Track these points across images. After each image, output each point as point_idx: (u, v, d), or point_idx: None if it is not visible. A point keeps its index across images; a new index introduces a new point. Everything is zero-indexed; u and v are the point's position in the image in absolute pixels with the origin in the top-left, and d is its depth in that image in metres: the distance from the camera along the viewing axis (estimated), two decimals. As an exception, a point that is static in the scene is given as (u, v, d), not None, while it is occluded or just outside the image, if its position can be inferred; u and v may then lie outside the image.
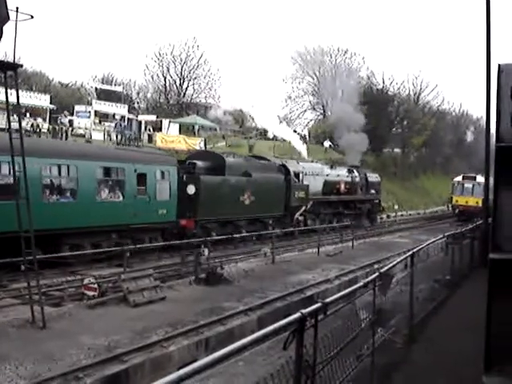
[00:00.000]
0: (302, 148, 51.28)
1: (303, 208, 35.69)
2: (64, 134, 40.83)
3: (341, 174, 42.33)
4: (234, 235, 26.82)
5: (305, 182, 36.24)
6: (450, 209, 57.44)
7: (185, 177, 26.95)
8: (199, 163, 29.08)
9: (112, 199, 22.88)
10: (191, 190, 26.84)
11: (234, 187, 29.66)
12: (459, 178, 56.49)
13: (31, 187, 16.21)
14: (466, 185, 54.62)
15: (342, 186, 41.43)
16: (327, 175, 40.30)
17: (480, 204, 50.37)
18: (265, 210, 31.92)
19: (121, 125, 47.85)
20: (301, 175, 36.08)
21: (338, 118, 53.39)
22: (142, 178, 23.86)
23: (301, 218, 35.78)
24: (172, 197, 25.44)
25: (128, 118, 58.36)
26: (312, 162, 43.23)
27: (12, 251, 14.08)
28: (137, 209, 23.38)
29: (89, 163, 21.60)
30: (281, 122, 56.54)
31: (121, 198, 23.14)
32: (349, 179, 42.81)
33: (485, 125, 21.01)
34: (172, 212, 25.34)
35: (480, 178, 52.11)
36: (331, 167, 42.13)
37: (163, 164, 25.70)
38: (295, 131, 77.92)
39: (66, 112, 46.16)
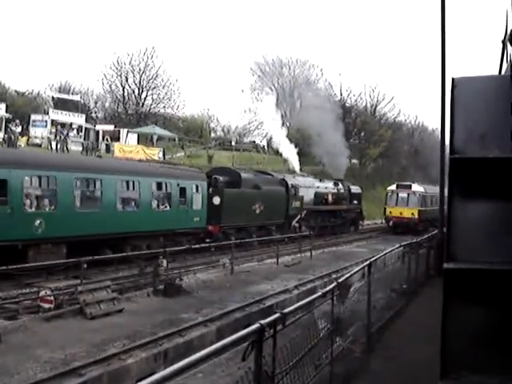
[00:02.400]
0: (296, 163, 53.98)
1: (298, 216, 39.74)
2: (14, 143, 39.68)
3: (328, 186, 46.38)
4: (193, 246, 26.74)
5: (300, 194, 40.34)
6: (384, 221, 53.29)
7: (211, 189, 31.52)
8: (220, 178, 33.33)
9: (162, 208, 27.55)
10: (217, 200, 31.60)
11: (248, 198, 34.38)
12: (393, 187, 52.38)
13: (110, 199, 23.93)
14: (400, 194, 50.63)
15: (330, 197, 45.64)
16: (317, 187, 44.44)
17: (416, 215, 49.13)
18: (270, 217, 36.46)
19: (62, 132, 46.56)
20: (297, 188, 40.27)
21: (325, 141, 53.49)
22: (182, 191, 28.73)
23: (297, 225, 39.50)
24: (203, 206, 30.30)
25: (85, 128, 57.70)
26: (304, 176, 46.58)
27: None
28: (179, 216, 28.25)
29: (147, 179, 26.58)
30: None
31: (168, 208, 27.87)
32: (335, 191, 47.01)
33: (439, 136, 21.38)
34: (203, 219, 30.20)
35: (416, 187, 50.77)
36: (320, 180, 46.10)
37: (197, 179, 30.60)
38: (254, 142, 78.33)
39: (17, 121, 45.02)
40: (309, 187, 42.77)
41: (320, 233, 41.82)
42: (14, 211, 19.97)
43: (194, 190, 29.76)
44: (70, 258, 19.88)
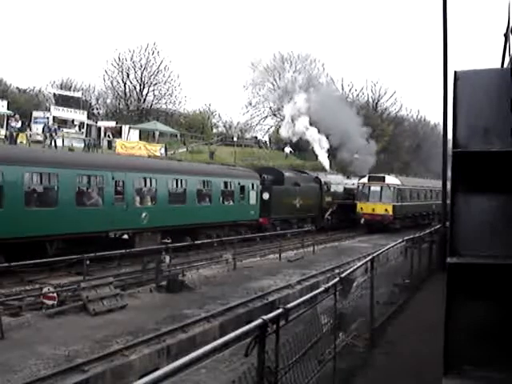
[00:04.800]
0: (326, 162, 56.29)
1: (330, 209, 44.34)
2: (14, 140, 39.25)
3: (355, 182, 48.43)
4: (196, 242, 26.85)
5: (331, 190, 45.21)
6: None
7: (260, 186, 36.34)
8: (267, 176, 38.43)
9: (228, 203, 32.95)
10: (266, 196, 36.81)
11: (290, 194, 39.55)
12: (364, 180, 46.07)
13: (192, 195, 29.35)
14: (372, 188, 44.68)
15: None
16: (345, 184, 48.22)
17: (390, 212, 43.52)
18: (307, 211, 41.24)
19: (49, 128, 45.60)
20: (329, 184, 45.12)
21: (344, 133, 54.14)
22: (242, 189, 34.18)
23: (329, 218, 44.20)
24: (257, 201, 35.70)
25: (87, 124, 57.63)
26: (333, 173, 50.85)
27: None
28: (240, 210, 33.72)
29: (218, 179, 32.13)
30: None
31: (232, 203, 33.28)
32: None
33: (442, 131, 21.33)
34: (257, 212, 35.61)
35: (390, 179, 45.67)
36: (347, 177, 50.17)
37: (252, 178, 35.98)
38: (256, 137, 78.25)
39: (16, 116, 44.30)
40: (338, 184, 46.86)
41: (349, 224, 45.40)
42: (128, 206, 25.14)
43: (251, 188, 35.20)
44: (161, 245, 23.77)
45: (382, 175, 46.58)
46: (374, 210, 43.97)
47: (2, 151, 22.59)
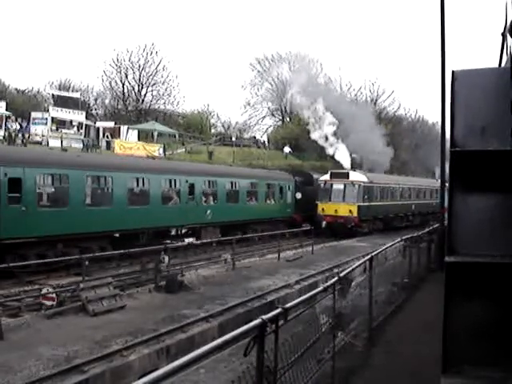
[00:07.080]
0: (348, 165, 55.10)
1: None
2: (13, 141, 39.28)
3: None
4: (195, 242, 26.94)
5: None
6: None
7: (294, 187, 41.72)
8: (299, 178, 43.43)
9: (270, 202, 39.12)
10: (298, 195, 41.79)
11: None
12: (326, 177, 41.32)
13: (243, 195, 35.48)
14: (335, 186, 40.02)
15: None
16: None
17: (355, 213, 38.85)
18: None
19: (21, 126, 44.73)
20: None
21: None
22: (281, 189, 40.36)
23: None
24: (292, 200, 41.60)
25: (86, 125, 57.57)
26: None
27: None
28: (278, 208, 39.87)
29: (263, 181, 38.38)
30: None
31: (272, 202, 39.49)
32: None
33: (440, 130, 21.36)
34: (292, 210, 41.46)
35: (355, 176, 41.06)
36: None
37: (288, 180, 41.79)
38: (254, 137, 78.18)
39: (12, 117, 44.01)
40: None
41: None
42: (198, 204, 30.99)
43: (287, 188, 40.85)
44: (223, 237, 30.09)
45: (345, 171, 42.56)
46: (336, 211, 39.45)
47: (111, 161, 28.85)
